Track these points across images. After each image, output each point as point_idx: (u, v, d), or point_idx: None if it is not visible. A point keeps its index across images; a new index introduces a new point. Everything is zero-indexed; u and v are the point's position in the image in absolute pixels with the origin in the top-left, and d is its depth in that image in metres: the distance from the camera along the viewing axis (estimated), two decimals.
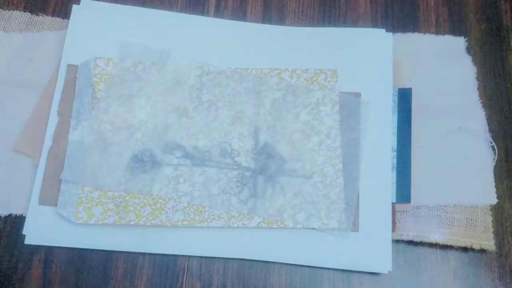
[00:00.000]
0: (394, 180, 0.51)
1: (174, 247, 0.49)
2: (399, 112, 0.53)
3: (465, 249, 0.50)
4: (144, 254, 0.50)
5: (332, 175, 0.51)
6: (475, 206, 0.51)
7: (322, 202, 0.50)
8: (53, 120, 0.52)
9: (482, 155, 0.53)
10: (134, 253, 0.50)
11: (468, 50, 0.57)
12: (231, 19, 0.58)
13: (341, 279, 0.50)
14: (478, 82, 0.55)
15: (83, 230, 0.49)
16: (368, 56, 0.55)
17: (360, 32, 0.57)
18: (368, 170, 0.51)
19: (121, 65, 0.53)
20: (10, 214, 0.50)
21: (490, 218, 0.51)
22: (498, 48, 0.58)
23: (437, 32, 0.58)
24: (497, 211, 0.52)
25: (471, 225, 0.50)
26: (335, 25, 0.58)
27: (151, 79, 0.53)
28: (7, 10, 0.57)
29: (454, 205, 0.51)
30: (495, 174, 0.52)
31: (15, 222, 0.50)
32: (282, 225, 0.49)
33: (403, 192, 0.51)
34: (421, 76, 0.55)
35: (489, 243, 0.50)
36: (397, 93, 0.54)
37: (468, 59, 0.56)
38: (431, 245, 0.51)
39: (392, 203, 0.51)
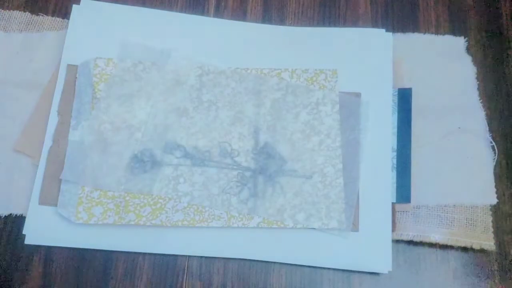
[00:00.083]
0: (394, 180, 0.51)
1: (174, 247, 0.49)
2: (399, 112, 0.53)
3: (465, 249, 0.50)
4: (144, 254, 0.50)
5: (332, 175, 0.51)
6: (475, 206, 0.51)
7: (322, 202, 0.50)
8: (53, 120, 0.52)
9: (482, 155, 0.53)
10: (134, 253, 0.50)
11: (468, 50, 0.57)
12: (231, 19, 0.58)
13: (341, 279, 0.50)
14: (478, 82, 0.55)
15: (83, 230, 0.49)
16: (368, 56, 0.55)
17: (360, 32, 0.57)
18: (368, 170, 0.51)
19: (121, 65, 0.53)
20: (10, 214, 0.50)
21: (490, 218, 0.51)
22: (498, 48, 0.58)
23: (437, 32, 0.58)
24: (497, 211, 0.52)
25: (471, 225, 0.50)
26: (335, 25, 0.58)
27: (151, 79, 0.53)
28: (7, 10, 0.57)
29: (454, 205, 0.51)
30: (495, 174, 0.52)
31: (15, 222, 0.50)
32: (282, 225, 0.49)
33: (403, 192, 0.51)
34: (421, 76, 0.55)
35: (489, 243, 0.50)
36: (397, 93, 0.54)
37: (468, 59, 0.56)
38: (431, 245, 0.51)
39: (392, 203, 0.51)
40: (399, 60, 0.55)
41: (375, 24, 0.58)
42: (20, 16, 0.57)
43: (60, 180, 0.49)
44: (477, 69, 0.56)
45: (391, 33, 0.56)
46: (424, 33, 0.58)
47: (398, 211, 0.51)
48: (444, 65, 0.56)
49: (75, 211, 0.48)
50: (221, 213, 0.49)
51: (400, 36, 0.57)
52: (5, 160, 0.51)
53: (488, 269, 0.50)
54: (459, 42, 0.57)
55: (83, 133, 0.51)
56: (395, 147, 0.52)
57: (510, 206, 0.52)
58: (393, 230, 0.50)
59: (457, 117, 0.54)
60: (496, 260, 0.51)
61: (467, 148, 0.53)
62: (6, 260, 0.49)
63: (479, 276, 0.50)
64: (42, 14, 0.57)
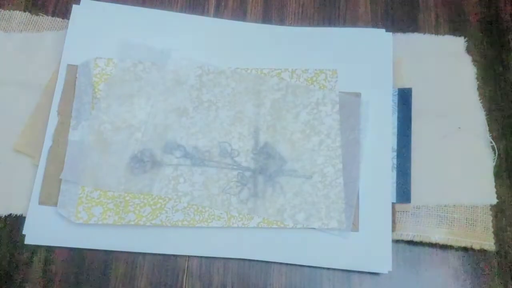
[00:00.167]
0: (394, 180, 0.51)
1: (174, 247, 0.49)
2: (399, 112, 0.53)
3: (465, 249, 0.50)
4: (144, 254, 0.50)
5: (332, 175, 0.51)
6: (475, 206, 0.51)
7: (322, 202, 0.50)
8: (53, 120, 0.52)
9: (482, 155, 0.53)
10: (134, 253, 0.50)
11: (468, 50, 0.57)
12: (231, 19, 0.58)
13: (341, 279, 0.50)
14: (478, 82, 0.55)
15: (83, 230, 0.49)
16: (368, 56, 0.55)
17: (360, 32, 0.57)
18: (368, 170, 0.51)
19: (121, 65, 0.53)
20: (10, 214, 0.50)
21: (490, 218, 0.51)
22: (498, 48, 0.58)
23: (437, 32, 0.58)
24: (497, 211, 0.52)
25: (471, 225, 0.50)
26: (335, 25, 0.58)
27: (151, 79, 0.53)
28: (7, 10, 0.57)
29: (454, 205, 0.51)
30: (495, 174, 0.52)
31: (15, 222, 0.50)
32: (282, 225, 0.49)
33: (403, 192, 0.51)
34: (421, 76, 0.55)
35: (489, 243, 0.50)
36: (397, 93, 0.54)
37: (468, 59, 0.56)
38: (431, 245, 0.51)
39: (392, 203, 0.51)
40: (399, 60, 0.55)
41: (375, 24, 0.58)
42: (20, 16, 0.57)
43: (60, 180, 0.49)
44: (477, 69, 0.56)
45: (391, 33, 0.56)
46: (424, 33, 0.58)
47: (398, 211, 0.51)
48: (444, 65, 0.56)
49: (75, 211, 0.48)
50: (221, 213, 0.49)
51: (400, 36, 0.57)
52: (5, 160, 0.51)
53: (488, 269, 0.50)
54: (459, 42, 0.57)
55: (83, 133, 0.51)
56: (395, 147, 0.52)
57: (510, 206, 0.52)
58: (393, 230, 0.50)
59: (457, 117, 0.54)
60: (496, 260, 0.51)
61: (467, 148, 0.53)
62: (6, 260, 0.49)
63: (479, 276, 0.50)
64: (42, 14, 0.57)
